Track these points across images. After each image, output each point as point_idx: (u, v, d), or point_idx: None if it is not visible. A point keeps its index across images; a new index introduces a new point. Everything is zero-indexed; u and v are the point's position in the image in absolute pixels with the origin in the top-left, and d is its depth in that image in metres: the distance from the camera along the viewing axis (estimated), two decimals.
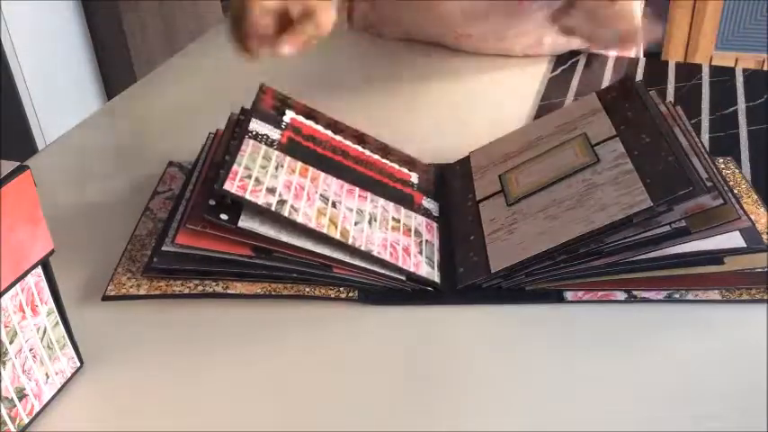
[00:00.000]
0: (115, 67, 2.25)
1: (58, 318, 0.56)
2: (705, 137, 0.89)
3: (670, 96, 0.99)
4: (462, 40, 1.11)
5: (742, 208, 0.63)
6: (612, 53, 1.12)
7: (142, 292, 0.65)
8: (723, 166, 0.80)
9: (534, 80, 1.05)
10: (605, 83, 1.04)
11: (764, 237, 0.69)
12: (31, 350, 0.54)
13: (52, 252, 0.54)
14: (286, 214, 0.64)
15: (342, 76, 1.10)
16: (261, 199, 0.64)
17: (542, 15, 1.06)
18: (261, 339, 0.62)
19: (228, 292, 0.65)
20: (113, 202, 0.80)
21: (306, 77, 1.09)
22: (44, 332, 0.55)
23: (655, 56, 1.20)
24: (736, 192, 0.75)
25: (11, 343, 0.51)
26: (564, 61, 1.10)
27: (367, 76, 1.09)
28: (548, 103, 0.98)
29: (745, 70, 1.05)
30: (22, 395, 0.53)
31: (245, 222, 0.63)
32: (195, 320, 0.64)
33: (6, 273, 0.49)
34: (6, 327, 0.51)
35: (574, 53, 1.12)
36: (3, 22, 1.90)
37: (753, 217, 0.71)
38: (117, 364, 0.60)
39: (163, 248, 0.66)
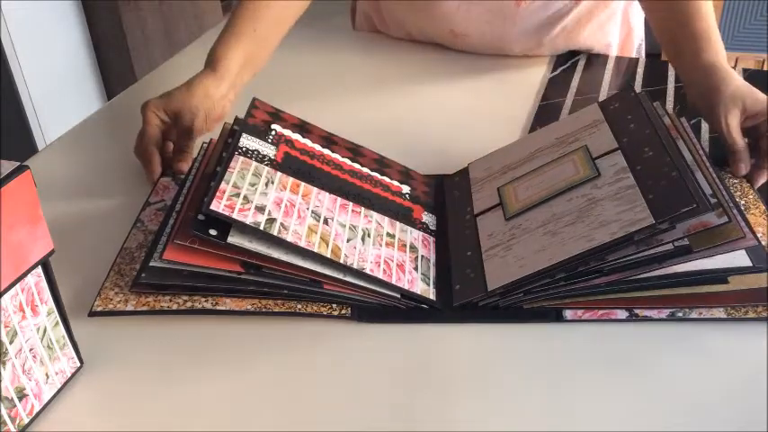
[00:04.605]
0: (115, 67, 2.25)
1: (58, 318, 0.56)
2: (705, 137, 0.88)
3: (670, 96, 0.99)
4: (460, 40, 1.12)
5: (748, 224, 0.61)
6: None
7: (129, 307, 0.64)
8: (729, 175, 0.79)
9: (534, 80, 1.05)
10: (605, 83, 1.04)
11: None
12: (31, 350, 0.53)
13: (52, 252, 0.53)
14: (275, 233, 0.62)
15: (343, 76, 1.10)
16: (249, 218, 0.62)
17: (541, 16, 1.06)
18: (251, 356, 0.61)
19: (217, 308, 0.63)
20: (108, 210, 0.79)
21: (307, 77, 1.09)
22: (44, 332, 0.55)
23: (655, 56, 1.20)
24: (743, 203, 0.74)
25: (11, 343, 0.51)
26: (564, 61, 1.10)
27: (368, 76, 1.09)
28: (548, 103, 0.98)
29: (745, 70, 1.04)
30: (22, 395, 0.53)
31: (234, 238, 0.62)
32: (187, 334, 0.63)
33: (6, 273, 0.49)
34: (6, 327, 0.51)
35: (574, 53, 1.12)
36: (3, 22, 1.89)
37: (760, 228, 0.70)
38: (115, 368, 0.60)
39: (151, 264, 0.64)
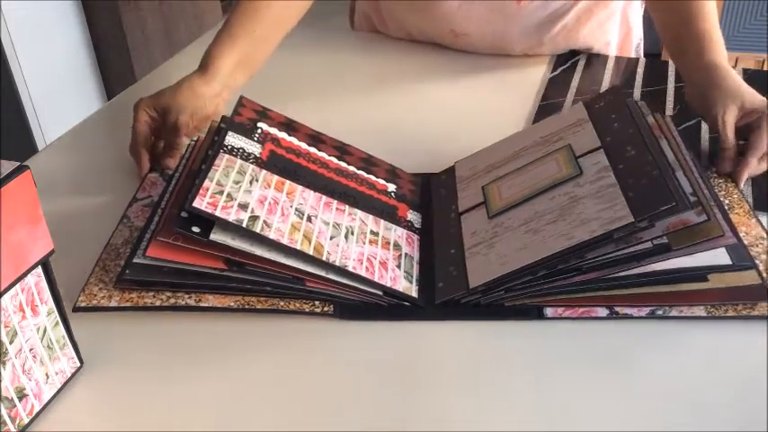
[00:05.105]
0: (115, 67, 2.25)
1: (58, 318, 0.56)
2: (705, 137, 0.88)
3: (670, 96, 0.99)
4: (460, 40, 1.12)
5: (729, 223, 0.61)
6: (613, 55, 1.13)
7: (113, 303, 0.64)
8: (715, 174, 0.79)
9: (534, 80, 1.05)
10: (605, 83, 1.04)
11: (760, 247, 0.68)
12: (31, 350, 0.53)
13: (52, 252, 0.53)
14: (258, 230, 0.63)
15: (342, 76, 1.10)
16: (232, 215, 0.63)
17: (541, 15, 1.06)
18: (251, 355, 0.61)
19: (200, 304, 0.64)
20: (108, 209, 0.78)
21: (307, 77, 1.09)
22: (44, 332, 0.55)
23: (655, 56, 1.20)
24: (726, 203, 0.74)
25: (11, 343, 0.51)
26: (564, 61, 1.10)
27: (367, 76, 1.09)
28: (548, 103, 0.98)
29: (745, 70, 1.05)
30: (22, 395, 0.53)
31: (216, 235, 0.62)
32: (187, 333, 0.63)
33: (6, 273, 0.49)
34: (6, 327, 0.51)
35: (574, 53, 1.12)
36: (3, 22, 1.89)
37: (743, 228, 0.70)
38: (115, 368, 0.60)
39: (134, 260, 0.65)
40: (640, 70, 1.07)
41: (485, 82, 1.06)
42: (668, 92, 1.00)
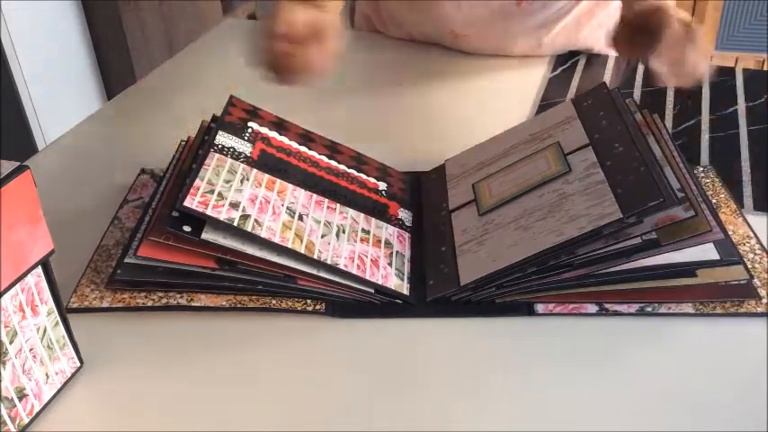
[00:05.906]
0: (115, 67, 2.25)
1: (58, 318, 0.56)
2: (705, 137, 0.88)
3: (670, 96, 0.99)
4: (461, 40, 1.12)
5: (716, 219, 0.62)
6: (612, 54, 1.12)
7: (105, 304, 0.64)
8: (702, 174, 0.80)
9: (534, 80, 1.05)
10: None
11: (747, 246, 0.69)
12: (31, 350, 0.53)
13: (52, 252, 0.53)
14: (249, 229, 0.63)
15: (342, 76, 1.10)
16: (223, 214, 0.63)
17: (542, 15, 1.06)
18: (252, 352, 0.61)
19: (192, 304, 0.64)
20: (108, 209, 0.78)
21: None
22: (44, 332, 0.55)
23: None
24: (714, 201, 0.75)
25: (11, 343, 0.51)
26: (564, 61, 1.10)
27: (366, 76, 1.09)
28: (548, 103, 0.98)
29: (745, 70, 1.05)
30: (22, 395, 0.53)
31: (208, 234, 0.62)
32: (187, 332, 0.63)
33: (6, 273, 0.49)
34: (6, 327, 0.51)
35: (574, 53, 1.12)
36: (3, 22, 1.89)
37: (731, 227, 0.71)
38: (115, 368, 0.60)
39: (126, 260, 0.65)
40: (640, 70, 1.07)
41: (485, 82, 1.06)
42: (668, 92, 1.00)
